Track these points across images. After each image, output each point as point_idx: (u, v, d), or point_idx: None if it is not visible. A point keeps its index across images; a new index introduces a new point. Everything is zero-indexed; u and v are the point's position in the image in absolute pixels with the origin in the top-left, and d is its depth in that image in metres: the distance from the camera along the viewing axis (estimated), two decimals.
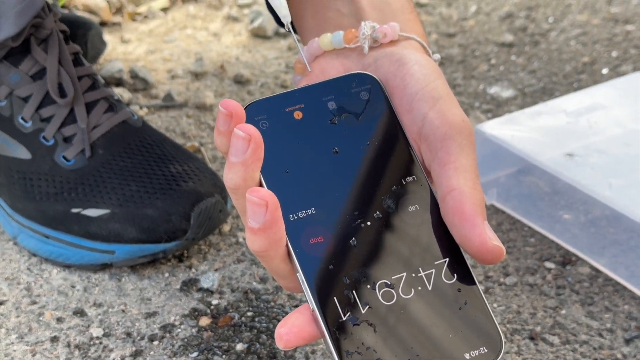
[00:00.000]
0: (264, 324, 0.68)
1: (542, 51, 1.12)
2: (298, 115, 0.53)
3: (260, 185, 0.50)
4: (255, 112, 0.52)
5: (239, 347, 0.65)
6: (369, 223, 0.50)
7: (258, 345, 0.66)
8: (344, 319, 0.47)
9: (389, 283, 0.48)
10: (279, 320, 0.67)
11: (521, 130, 0.82)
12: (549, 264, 0.74)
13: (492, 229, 0.77)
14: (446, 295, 0.48)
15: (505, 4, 1.26)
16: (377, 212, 0.50)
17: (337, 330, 0.47)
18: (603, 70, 1.07)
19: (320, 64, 0.59)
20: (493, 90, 1.03)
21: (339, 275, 0.48)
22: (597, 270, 0.73)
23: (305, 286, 0.48)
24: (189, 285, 0.72)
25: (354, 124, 0.53)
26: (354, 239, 0.49)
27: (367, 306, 0.48)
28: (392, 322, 0.47)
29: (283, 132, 0.52)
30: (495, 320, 0.48)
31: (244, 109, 0.51)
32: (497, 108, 0.99)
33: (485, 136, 0.81)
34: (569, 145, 0.79)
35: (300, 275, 0.48)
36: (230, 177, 0.49)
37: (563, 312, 0.69)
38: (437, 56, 0.61)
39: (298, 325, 0.47)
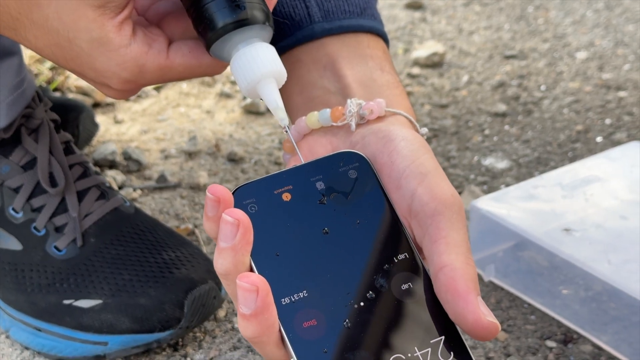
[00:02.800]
0: None
1: (535, 120, 1.13)
2: (287, 197, 0.52)
3: (251, 269, 0.49)
4: (243, 196, 0.52)
5: None
6: (362, 304, 0.49)
7: None
8: None
9: None
10: None
11: (517, 205, 0.81)
12: (550, 343, 0.73)
13: (492, 307, 0.77)
14: None
15: (497, 72, 1.27)
16: (370, 292, 0.49)
17: None
18: (597, 139, 1.07)
19: (309, 142, 0.59)
20: (488, 161, 1.03)
21: (334, 359, 0.47)
22: (600, 348, 0.72)
23: None
24: None
25: (343, 204, 0.52)
26: (347, 320, 0.48)
27: None
28: None
29: (272, 214, 0.52)
30: None
31: (232, 193, 0.51)
32: (492, 180, 0.99)
33: (481, 212, 0.80)
34: (566, 219, 0.79)
35: None
36: (220, 263, 0.48)
37: None
38: (425, 130, 0.61)
39: None
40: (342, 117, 0.57)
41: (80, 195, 0.76)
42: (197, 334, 0.76)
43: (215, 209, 0.48)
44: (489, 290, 0.80)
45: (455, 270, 0.48)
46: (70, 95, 1.20)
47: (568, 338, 0.73)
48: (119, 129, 1.15)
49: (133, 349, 0.71)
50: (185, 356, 0.73)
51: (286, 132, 0.56)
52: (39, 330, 0.73)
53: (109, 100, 1.22)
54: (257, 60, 0.54)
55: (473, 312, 0.47)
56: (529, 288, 0.78)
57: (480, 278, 0.82)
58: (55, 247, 0.74)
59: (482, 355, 0.72)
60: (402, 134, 0.55)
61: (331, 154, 0.55)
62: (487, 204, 0.81)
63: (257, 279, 0.46)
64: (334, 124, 0.58)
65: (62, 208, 0.75)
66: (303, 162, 0.56)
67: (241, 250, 0.48)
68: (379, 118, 0.58)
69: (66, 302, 0.72)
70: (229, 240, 0.47)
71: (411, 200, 0.52)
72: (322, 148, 0.58)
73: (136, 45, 0.54)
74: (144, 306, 0.70)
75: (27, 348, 0.74)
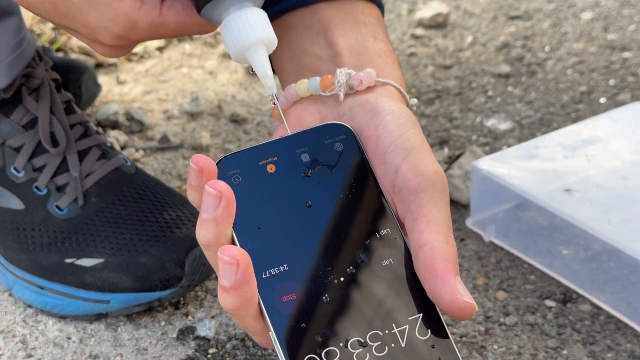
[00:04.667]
0: None
1: (539, 81, 1.12)
2: (271, 168, 0.52)
3: (233, 241, 0.50)
4: (227, 167, 0.51)
5: None
6: (342, 279, 0.49)
7: None
8: None
9: (362, 341, 0.48)
10: None
11: (518, 166, 0.81)
12: (549, 302, 0.73)
13: (491, 267, 0.77)
14: (420, 352, 0.48)
15: (501, 33, 1.26)
16: (351, 267, 0.50)
17: None
18: (601, 100, 1.06)
19: (297, 110, 0.58)
20: (490, 123, 1.03)
21: (312, 334, 0.48)
22: (599, 308, 0.72)
23: (277, 345, 0.48)
24: (185, 333, 0.71)
25: (327, 177, 0.52)
26: (326, 295, 0.49)
27: None
28: None
29: (256, 186, 0.51)
30: None
31: (216, 163, 0.50)
32: (494, 141, 0.99)
33: (482, 173, 0.80)
34: (567, 179, 0.79)
35: (273, 334, 0.48)
36: (202, 234, 0.48)
37: (564, 352, 0.68)
38: (415, 101, 0.60)
39: None
40: (331, 86, 0.57)
41: (82, 155, 0.76)
42: (199, 293, 0.76)
43: (198, 179, 0.48)
44: (489, 251, 0.80)
45: (434, 250, 0.48)
46: (73, 56, 1.19)
47: (567, 297, 0.74)
48: (121, 89, 1.15)
49: (135, 307, 0.72)
50: (186, 315, 0.74)
51: (274, 103, 0.56)
52: (42, 288, 0.73)
53: (112, 60, 1.22)
54: (247, 26, 0.53)
55: (450, 292, 0.47)
56: (529, 248, 0.79)
57: (480, 238, 0.82)
58: (57, 207, 0.75)
59: (482, 314, 0.72)
60: (389, 107, 0.54)
61: (317, 125, 0.54)
62: (488, 164, 0.81)
63: (238, 252, 0.46)
64: (323, 93, 0.57)
65: (64, 168, 0.76)
66: (289, 131, 0.55)
67: (223, 222, 0.48)
68: (369, 88, 0.57)
69: (68, 260, 0.73)
70: (211, 212, 0.47)
71: (395, 176, 0.52)
72: (310, 117, 0.58)
73: (128, 0, 0.53)
74: (145, 265, 0.71)
75: (29, 306, 0.75)
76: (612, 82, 1.10)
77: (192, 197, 0.50)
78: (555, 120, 1.03)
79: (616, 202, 0.76)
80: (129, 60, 1.23)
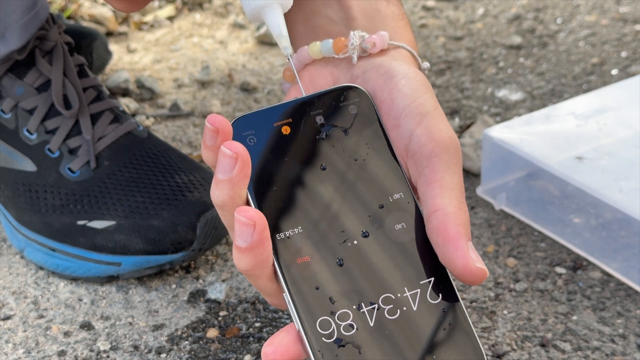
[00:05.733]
0: (272, 335, 0.67)
1: (550, 53, 1.12)
2: (286, 130, 0.52)
3: (248, 202, 0.50)
4: (242, 127, 0.51)
5: (247, 358, 0.65)
6: (355, 242, 0.49)
7: None
8: (329, 340, 0.47)
9: (375, 304, 0.48)
10: None
11: (530, 134, 0.81)
12: (559, 269, 0.73)
13: (502, 235, 0.77)
14: (431, 316, 0.48)
15: (512, 5, 1.25)
16: (364, 231, 0.50)
17: (322, 352, 0.47)
18: (612, 71, 1.06)
19: (310, 72, 0.58)
20: (501, 93, 1.03)
21: (325, 296, 0.48)
22: (609, 275, 0.72)
23: (291, 307, 0.48)
24: (196, 296, 0.72)
25: (341, 140, 0.52)
26: (340, 258, 0.49)
27: (353, 327, 0.47)
28: (377, 343, 0.47)
29: (271, 147, 0.51)
30: (478, 341, 0.48)
31: (232, 124, 0.50)
32: (505, 111, 0.99)
33: (494, 141, 0.80)
34: (579, 148, 0.79)
35: (287, 295, 0.48)
36: (217, 195, 0.48)
37: (574, 318, 0.68)
38: (427, 64, 0.60)
39: (284, 344, 0.48)
40: (344, 48, 0.57)
41: (94, 118, 0.77)
42: (209, 257, 0.76)
43: (213, 139, 0.48)
44: (499, 219, 0.80)
45: (447, 215, 0.49)
46: (84, 24, 1.19)
47: (577, 265, 0.74)
48: (131, 58, 1.15)
49: (146, 269, 0.72)
50: (197, 278, 0.74)
51: (288, 60, 0.56)
52: (54, 250, 0.74)
53: (122, 29, 1.21)
54: None
55: (462, 257, 0.48)
56: (540, 216, 0.79)
57: (491, 206, 0.82)
58: (69, 169, 0.75)
59: (492, 280, 0.72)
60: (403, 71, 0.54)
61: (332, 87, 0.54)
62: (500, 132, 0.81)
63: (255, 214, 0.46)
64: (336, 55, 0.57)
65: (76, 130, 0.76)
66: (303, 92, 0.55)
67: (238, 184, 0.48)
68: (382, 51, 0.57)
69: (80, 222, 0.73)
70: (226, 173, 0.47)
71: (409, 141, 0.51)
72: (323, 79, 0.58)
73: None
74: (157, 228, 0.71)
75: (41, 268, 0.75)
76: (624, 54, 1.10)
77: (206, 156, 0.50)
78: (566, 91, 1.02)
79: (628, 171, 0.75)
80: (139, 29, 1.23)
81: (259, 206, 0.49)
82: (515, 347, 0.65)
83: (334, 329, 0.47)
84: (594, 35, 1.16)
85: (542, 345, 0.65)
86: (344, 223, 0.50)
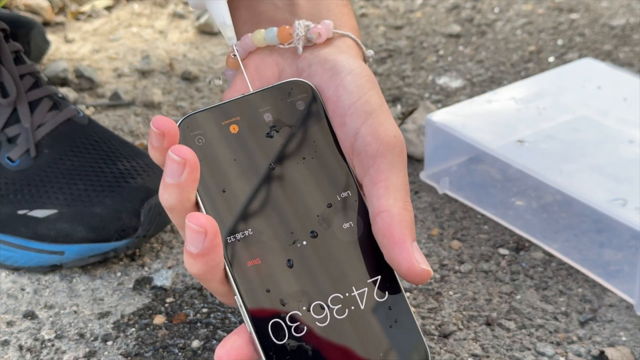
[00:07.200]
0: (220, 320, 0.67)
1: (489, 41, 1.13)
2: (234, 129, 0.52)
3: (197, 204, 0.49)
4: (190, 127, 0.51)
5: (195, 344, 0.64)
6: (304, 242, 0.50)
7: (214, 342, 0.65)
8: (280, 342, 0.48)
9: (324, 304, 0.49)
10: (234, 315, 0.67)
11: (471, 119, 0.82)
12: (502, 250, 0.75)
13: (445, 218, 0.78)
14: (378, 314, 0.49)
15: None
16: (313, 231, 0.50)
17: (274, 354, 0.47)
18: (549, 59, 1.08)
19: (255, 61, 0.58)
20: (442, 80, 1.04)
21: (276, 298, 0.48)
22: (551, 255, 0.74)
23: (242, 310, 0.48)
24: (142, 283, 0.71)
25: (289, 138, 0.52)
26: (290, 259, 0.49)
27: (303, 329, 0.48)
28: (326, 343, 0.48)
29: (219, 147, 0.51)
30: (423, 337, 0.49)
31: (178, 124, 0.50)
32: (446, 98, 1.00)
33: (437, 125, 0.81)
34: (520, 132, 0.80)
35: (238, 298, 0.48)
36: (166, 198, 0.48)
37: (518, 297, 0.69)
38: (371, 52, 0.60)
39: (236, 347, 0.48)
40: (289, 38, 0.56)
41: (32, 106, 0.75)
42: (154, 244, 0.76)
43: (160, 141, 0.48)
44: (443, 202, 0.81)
45: (392, 217, 0.49)
46: (20, 14, 1.17)
47: (520, 246, 0.75)
48: (69, 47, 1.13)
49: (90, 258, 0.71)
50: (142, 266, 0.73)
51: (234, 50, 0.55)
52: None
53: (59, 19, 1.19)
54: None
55: (407, 259, 0.48)
56: (482, 200, 0.80)
57: (434, 191, 0.83)
58: (9, 158, 0.73)
59: (437, 262, 0.73)
60: (349, 66, 0.54)
61: (280, 82, 0.54)
62: (442, 117, 0.82)
63: (206, 221, 0.46)
64: (281, 45, 0.57)
65: (14, 119, 0.74)
66: (250, 86, 0.55)
67: (187, 188, 0.47)
68: (327, 40, 0.57)
69: (20, 212, 0.71)
70: (175, 178, 0.47)
71: (354, 139, 0.52)
72: (268, 68, 0.57)
73: None
74: (100, 215, 0.70)
75: None
76: (560, 42, 1.12)
77: (154, 156, 0.49)
78: (505, 78, 1.04)
79: (568, 154, 0.77)
80: (77, 19, 1.21)
81: (209, 209, 0.49)
82: (461, 327, 0.66)
83: (285, 331, 0.48)
84: (531, 24, 1.17)
85: (488, 324, 0.66)
86: (293, 224, 0.50)
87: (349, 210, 0.51)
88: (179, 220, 0.49)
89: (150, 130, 0.48)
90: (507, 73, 1.05)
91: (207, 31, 1.17)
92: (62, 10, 1.22)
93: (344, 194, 0.51)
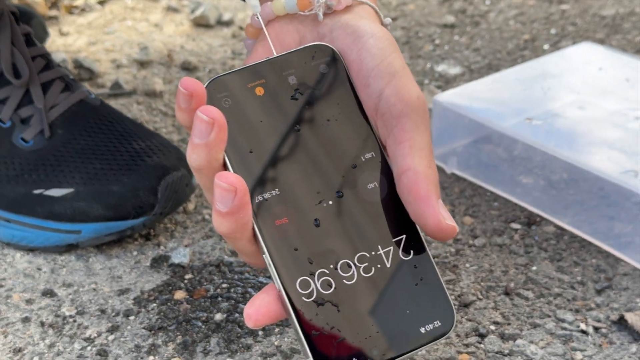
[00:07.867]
0: (240, 294, 0.67)
1: (483, 31, 1.14)
2: (260, 91, 0.52)
3: (224, 165, 0.50)
4: (217, 90, 0.51)
5: (218, 316, 0.65)
6: (330, 202, 0.50)
7: (237, 315, 0.65)
8: (309, 300, 0.48)
9: (351, 262, 0.49)
10: (255, 289, 0.67)
11: (478, 100, 0.83)
12: (514, 225, 0.75)
13: (455, 196, 0.79)
14: (403, 272, 0.50)
15: None
16: (338, 191, 0.51)
17: (303, 311, 0.48)
18: (544, 46, 1.09)
19: (275, 29, 0.58)
20: (440, 68, 1.05)
21: (304, 257, 0.49)
22: (562, 229, 0.75)
23: (271, 268, 0.49)
24: (159, 262, 0.71)
25: (314, 100, 0.52)
26: (316, 219, 0.50)
27: (331, 286, 0.48)
28: (353, 301, 0.48)
29: (246, 109, 0.51)
30: (448, 295, 0.50)
31: (205, 86, 0.50)
32: (446, 84, 1.01)
33: (444, 106, 0.82)
34: (527, 110, 0.81)
35: (267, 256, 0.49)
36: (194, 158, 0.48)
37: (534, 268, 0.70)
38: (389, 20, 0.61)
39: (265, 305, 0.48)
40: (309, 5, 0.57)
41: (45, 87, 0.75)
42: (168, 225, 0.76)
43: (187, 102, 0.48)
44: (452, 182, 0.82)
45: (417, 174, 0.50)
46: None
47: (531, 221, 0.76)
48: (65, 40, 1.13)
49: (106, 236, 0.71)
50: (158, 245, 0.73)
51: (257, 17, 0.56)
52: (8, 221, 0.72)
53: (53, 13, 1.19)
54: None
55: (433, 215, 0.49)
56: (491, 177, 0.81)
57: (442, 170, 0.83)
58: (22, 139, 0.73)
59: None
60: (370, 30, 0.55)
61: (303, 46, 0.54)
62: (450, 98, 0.83)
63: (235, 180, 0.46)
64: (301, 12, 0.57)
65: (27, 100, 0.74)
66: (274, 50, 0.55)
67: (215, 148, 0.48)
68: (346, 8, 0.58)
69: (36, 191, 0.71)
70: (203, 138, 0.47)
71: (378, 100, 0.52)
72: (289, 36, 0.58)
73: None
74: (118, 193, 0.70)
75: None
76: (553, 30, 1.14)
77: (181, 118, 0.49)
78: (502, 65, 1.05)
79: (576, 130, 0.78)
80: (70, 13, 1.21)
81: (237, 169, 0.49)
82: (480, 297, 0.67)
83: (313, 288, 0.48)
84: (523, 15, 1.19)
85: (507, 294, 0.67)
86: (319, 184, 0.50)
87: (373, 171, 0.51)
88: (205, 181, 0.49)
89: (177, 92, 0.48)
90: (504, 60, 1.06)
91: (203, 24, 1.17)
92: (55, 4, 1.22)
93: (368, 155, 0.52)
